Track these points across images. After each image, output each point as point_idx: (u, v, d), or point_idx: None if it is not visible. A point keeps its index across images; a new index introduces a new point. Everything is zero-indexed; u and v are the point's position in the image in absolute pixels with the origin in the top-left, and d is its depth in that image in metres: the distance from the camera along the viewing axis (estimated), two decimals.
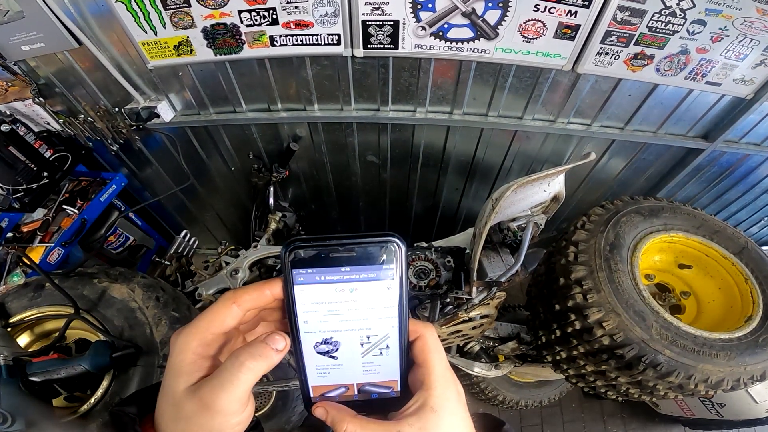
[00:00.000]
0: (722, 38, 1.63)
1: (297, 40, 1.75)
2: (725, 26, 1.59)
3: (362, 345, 0.43)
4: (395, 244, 0.40)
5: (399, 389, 0.45)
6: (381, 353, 0.43)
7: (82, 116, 2.12)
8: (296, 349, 0.43)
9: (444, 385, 0.42)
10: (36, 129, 2.25)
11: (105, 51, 1.82)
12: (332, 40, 1.74)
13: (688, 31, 1.61)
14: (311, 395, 0.45)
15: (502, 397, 2.50)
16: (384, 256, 0.40)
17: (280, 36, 1.73)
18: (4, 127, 1.97)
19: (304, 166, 2.51)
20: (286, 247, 0.40)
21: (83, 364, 1.26)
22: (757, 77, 1.79)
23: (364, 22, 1.67)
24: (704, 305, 1.59)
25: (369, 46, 1.75)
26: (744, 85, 1.81)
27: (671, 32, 1.62)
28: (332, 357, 0.43)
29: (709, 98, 1.93)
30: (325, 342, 0.42)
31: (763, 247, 2.73)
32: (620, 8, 1.54)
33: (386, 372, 0.44)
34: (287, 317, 0.42)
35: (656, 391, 1.31)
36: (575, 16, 1.58)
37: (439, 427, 0.40)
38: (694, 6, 1.53)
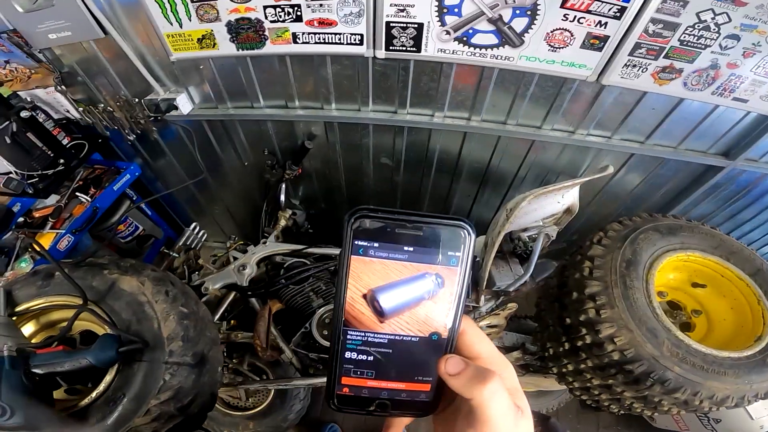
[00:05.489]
0: (754, 54, 1.60)
1: (319, 38, 1.74)
2: (758, 42, 1.56)
3: (406, 346, 0.41)
4: (466, 231, 0.38)
5: (432, 392, 0.42)
6: (426, 348, 0.41)
7: (102, 105, 2.13)
8: (336, 330, 0.40)
9: (509, 368, 0.41)
10: (55, 116, 2.27)
11: (130, 41, 1.83)
12: (355, 40, 1.73)
13: (720, 45, 1.58)
14: (337, 385, 0.42)
15: None
16: (452, 242, 0.38)
17: (303, 33, 1.73)
18: (24, 114, 1.98)
19: (317, 164, 2.51)
20: (352, 215, 0.38)
21: (88, 358, 1.22)
22: None
23: (388, 23, 1.66)
24: (715, 324, 1.58)
25: (391, 47, 1.74)
26: None
27: (703, 46, 1.59)
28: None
29: (734, 115, 1.89)
30: None
31: None
32: (653, 21, 1.52)
33: (426, 370, 0.42)
34: (335, 288, 0.40)
35: (660, 406, 1.32)
36: (605, 27, 1.56)
37: (528, 407, 0.39)
38: (730, 21, 1.50)
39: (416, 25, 1.66)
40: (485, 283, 1.66)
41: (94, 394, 1.32)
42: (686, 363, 1.23)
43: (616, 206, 2.57)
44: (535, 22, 1.58)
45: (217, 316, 1.85)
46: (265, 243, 2.02)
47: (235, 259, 1.99)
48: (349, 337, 0.41)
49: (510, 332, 2.03)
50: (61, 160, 2.22)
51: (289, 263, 1.94)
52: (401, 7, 1.61)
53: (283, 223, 2.34)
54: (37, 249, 1.72)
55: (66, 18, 1.71)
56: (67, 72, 2.04)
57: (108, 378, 1.35)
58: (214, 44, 1.78)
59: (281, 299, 1.84)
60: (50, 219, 2.22)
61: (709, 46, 1.59)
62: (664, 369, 1.22)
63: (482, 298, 1.76)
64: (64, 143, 2.25)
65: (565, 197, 1.67)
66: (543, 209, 1.68)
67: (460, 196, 2.62)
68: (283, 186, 2.37)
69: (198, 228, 2.31)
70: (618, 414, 2.70)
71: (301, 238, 2.55)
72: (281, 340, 1.79)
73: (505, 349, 1.99)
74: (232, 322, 1.96)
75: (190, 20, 1.69)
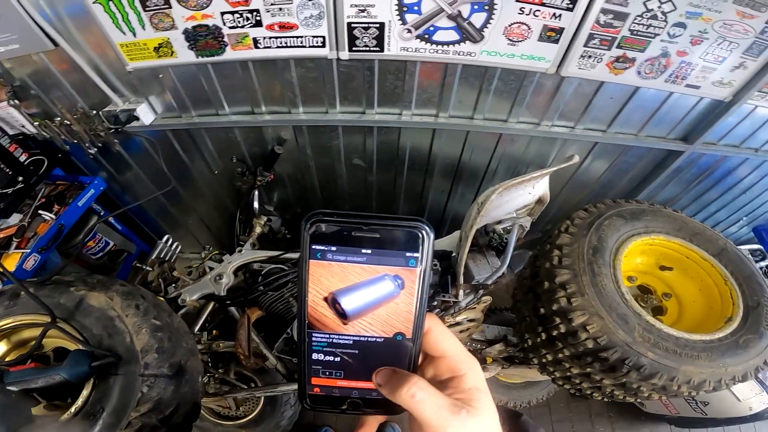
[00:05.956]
0: (702, 41, 1.66)
1: (281, 43, 1.72)
2: (705, 29, 1.62)
3: (372, 346, 0.41)
4: (423, 231, 0.38)
5: None
6: (391, 348, 0.42)
7: (59, 119, 2.04)
8: (301, 332, 0.41)
9: (474, 366, 0.42)
10: (11, 132, 2.17)
11: (82, 52, 1.76)
12: (317, 42, 1.72)
13: (668, 34, 1.64)
14: (308, 386, 0.43)
15: None
16: (410, 243, 0.38)
17: (264, 38, 1.71)
18: None
19: (289, 169, 2.48)
20: (307, 219, 0.38)
21: (61, 374, 1.23)
22: (736, 80, 1.83)
23: (349, 24, 1.65)
24: (685, 306, 1.61)
25: (354, 48, 1.73)
26: (722, 88, 1.85)
27: (652, 35, 1.65)
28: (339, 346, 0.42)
29: (688, 101, 1.96)
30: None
31: (742, 246, 2.81)
32: (603, 11, 1.56)
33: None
34: (298, 295, 0.41)
35: (640, 393, 1.33)
36: (559, 19, 1.60)
37: (490, 406, 0.40)
38: (675, 9, 1.56)
39: (378, 25, 1.66)
40: (463, 277, 1.68)
41: (72, 409, 1.32)
42: (659, 348, 1.24)
43: (586, 194, 2.63)
44: (493, 16, 1.60)
45: (197, 327, 1.83)
46: (240, 251, 1.99)
47: (211, 269, 1.96)
48: (314, 339, 0.41)
49: (492, 325, 2.05)
50: (20, 178, 2.14)
51: (267, 270, 1.92)
52: (361, 8, 1.61)
53: (258, 230, 2.31)
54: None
55: (12, 30, 1.63)
56: (19, 85, 1.95)
57: (85, 393, 1.35)
58: (172, 52, 1.74)
59: (261, 306, 1.82)
60: (14, 239, 2.13)
61: (658, 34, 1.64)
62: (638, 355, 1.22)
63: (461, 292, 1.77)
64: (22, 160, 2.16)
65: (535, 188, 1.69)
66: (515, 201, 1.70)
67: (435, 192, 2.64)
68: (256, 193, 2.34)
69: (171, 240, 2.27)
70: (603, 401, 2.76)
71: (279, 243, 2.52)
72: (264, 347, 1.77)
73: (488, 342, 2.01)
74: (214, 332, 1.93)
75: (144, 29, 1.65)
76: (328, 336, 0.41)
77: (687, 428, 2.60)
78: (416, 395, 0.38)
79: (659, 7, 1.54)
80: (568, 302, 1.33)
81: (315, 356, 0.42)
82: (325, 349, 0.42)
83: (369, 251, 0.38)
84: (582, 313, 1.30)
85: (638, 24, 1.61)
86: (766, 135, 2.20)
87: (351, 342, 0.41)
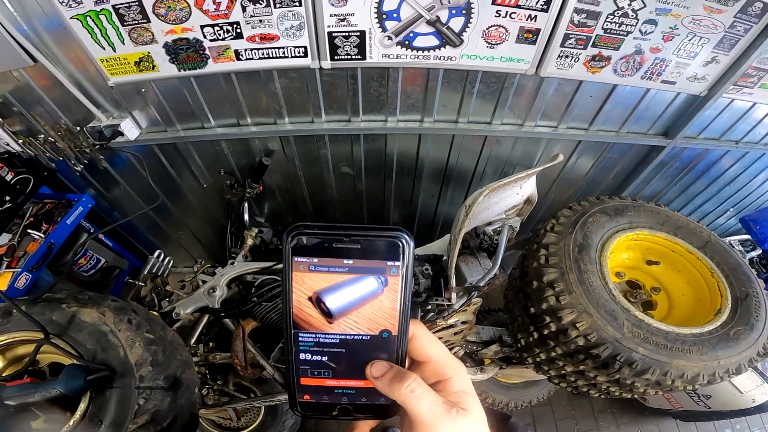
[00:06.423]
0: (673, 37, 1.70)
1: (263, 54, 1.73)
2: (675, 25, 1.66)
3: (358, 345, 0.42)
4: (403, 240, 0.39)
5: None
6: (379, 346, 0.42)
7: (43, 136, 2.03)
8: (288, 342, 0.42)
9: (460, 370, 0.42)
10: None
11: (62, 68, 1.76)
12: (299, 52, 1.73)
13: (640, 31, 1.68)
14: (297, 393, 0.44)
15: (491, 399, 2.51)
16: (390, 252, 0.39)
17: (246, 50, 1.72)
18: None
19: (278, 179, 2.49)
20: (289, 233, 0.39)
21: (57, 388, 1.26)
22: (710, 74, 1.87)
23: (330, 33, 1.67)
24: (675, 300, 1.62)
25: (336, 57, 1.75)
26: (697, 83, 1.89)
27: (625, 33, 1.69)
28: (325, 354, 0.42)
29: (665, 96, 2.00)
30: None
31: (731, 237, 2.84)
32: (576, 11, 1.59)
33: None
34: (282, 306, 0.41)
35: (635, 389, 1.32)
36: (535, 20, 1.63)
37: (478, 408, 0.41)
38: (645, 6, 1.59)
39: (358, 33, 1.67)
40: (456, 280, 1.68)
41: (71, 423, 1.33)
42: (649, 343, 1.23)
43: (574, 192, 2.65)
44: (471, 20, 1.63)
45: (192, 340, 1.83)
46: (233, 263, 1.99)
47: (204, 282, 1.95)
48: (300, 339, 0.42)
49: (486, 326, 2.06)
50: (7, 197, 2.13)
51: (260, 281, 1.92)
52: (341, 17, 1.63)
53: (250, 242, 2.31)
54: None
55: None
56: (1, 102, 1.94)
57: (82, 406, 1.36)
58: (154, 66, 1.74)
59: (255, 317, 1.82)
60: (5, 258, 2.12)
61: (631, 32, 1.68)
62: (628, 351, 1.22)
63: (454, 295, 1.77)
64: (8, 179, 2.15)
65: (523, 188, 1.71)
66: (503, 202, 1.71)
67: (424, 196, 2.65)
68: (246, 205, 2.34)
69: (163, 255, 2.25)
70: (600, 398, 2.75)
71: (271, 254, 2.52)
72: (261, 357, 1.77)
73: (483, 344, 2.01)
74: (210, 344, 1.93)
75: (124, 44, 1.65)
76: (314, 336, 0.42)
77: (692, 422, 2.60)
78: (415, 390, 0.39)
79: (629, 4, 1.58)
80: (557, 300, 1.33)
81: (303, 356, 0.42)
82: (312, 348, 0.42)
83: (351, 262, 0.39)
84: (571, 310, 1.30)
85: (610, 22, 1.64)
86: (745, 127, 2.25)
87: (338, 341, 0.42)
